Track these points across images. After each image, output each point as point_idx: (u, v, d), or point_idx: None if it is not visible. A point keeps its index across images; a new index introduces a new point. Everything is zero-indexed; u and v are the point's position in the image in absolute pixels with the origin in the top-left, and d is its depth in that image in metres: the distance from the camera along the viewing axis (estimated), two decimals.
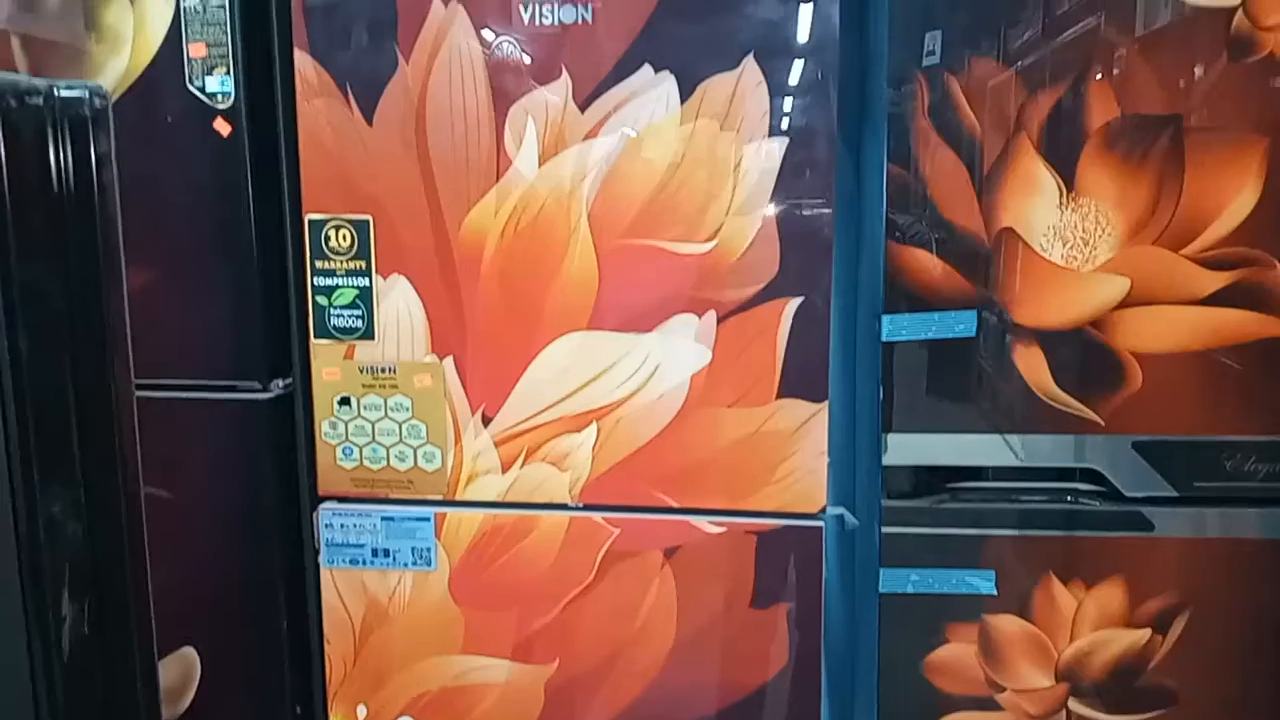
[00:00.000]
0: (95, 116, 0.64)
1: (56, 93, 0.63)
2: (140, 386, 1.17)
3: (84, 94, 0.64)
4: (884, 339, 1.09)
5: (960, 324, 1.08)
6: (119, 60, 1.11)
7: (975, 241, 1.07)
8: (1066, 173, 1.05)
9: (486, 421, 1.14)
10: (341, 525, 1.16)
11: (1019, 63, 1.04)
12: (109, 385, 0.67)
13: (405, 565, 1.16)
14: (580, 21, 1.06)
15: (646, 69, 1.06)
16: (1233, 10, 1.01)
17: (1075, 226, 1.06)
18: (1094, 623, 1.12)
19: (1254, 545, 1.10)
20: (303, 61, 1.10)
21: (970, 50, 1.04)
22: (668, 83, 1.06)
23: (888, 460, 1.11)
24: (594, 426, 1.12)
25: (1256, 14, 1.00)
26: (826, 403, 1.10)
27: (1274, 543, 1.10)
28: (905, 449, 1.11)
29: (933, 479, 1.13)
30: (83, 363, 0.65)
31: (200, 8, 1.08)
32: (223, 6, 1.08)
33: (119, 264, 0.67)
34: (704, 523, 1.13)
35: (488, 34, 1.07)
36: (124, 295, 0.68)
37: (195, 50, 1.09)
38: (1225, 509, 1.10)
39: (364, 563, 1.16)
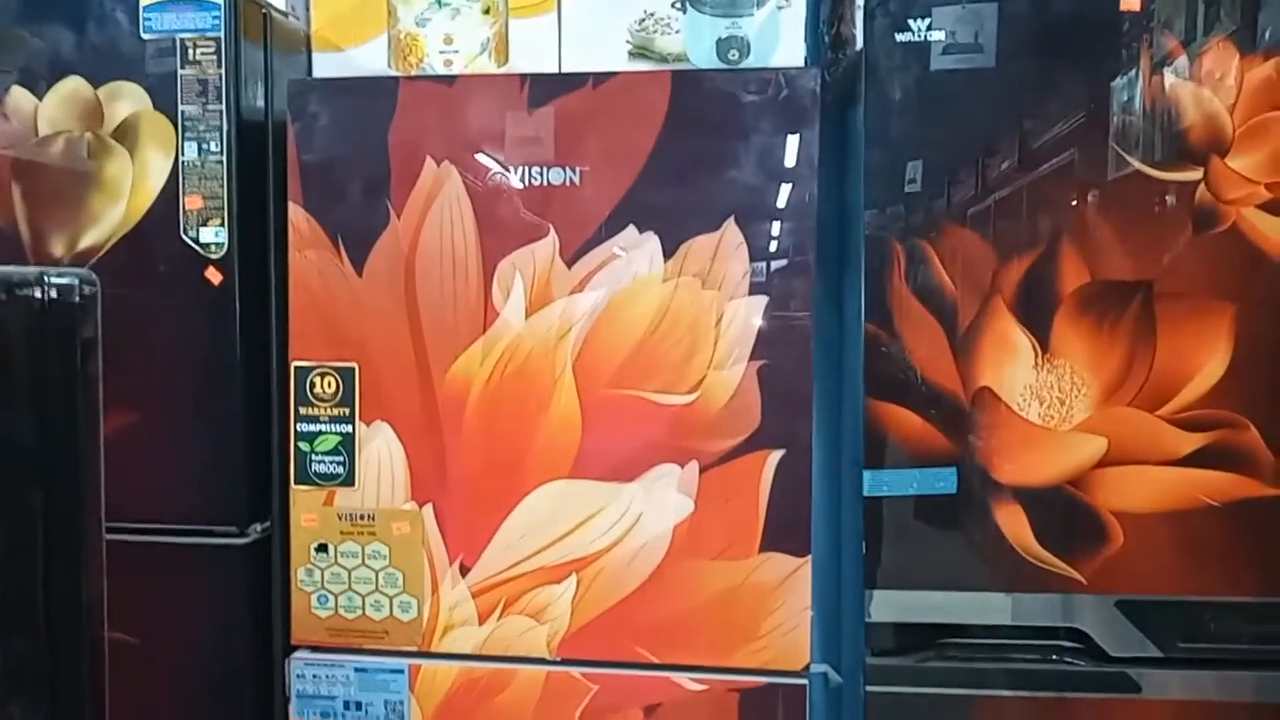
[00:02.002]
0: (83, 304, 0.66)
1: (47, 280, 0.65)
2: (115, 530, 1.17)
3: (74, 282, 0.66)
4: (866, 494, 1.09)
5: (941, 481, 1.08)
6: (116, 209, 1.13)
7: (954, 400, 1.08)
8: (1041, 334, 1.07)
9: (465, 571, 1.12)
10: (313, 676, 1.13)
11: (992, 228, 1.08)
12: (81, 561, 0.66)
13: (378, 719, 1.13)
14: (568, 183, 1.10)
15: (631, 229, 1.09)
16: (1195, 184, 1.05)
17: (1051, 386, 1.07)
18: None
19: (1243, 709, 1.08)
20: (296, 214, 1.12)
21: (944, 216, 1.08)
22: (651, 242, 1.09)
23: (872, 617, 1.10)
24: (574, 578, 1.11)
25: (1218, 188, 1.05)
26: (809, 557, 1.09)
27: (1264, 706, 1.08)
28: (889, 605, 1.10)
29: (918, 636, 1.11)
30: (54, 538, 0.64)
31: (198, 162, 1.12)
32: (220, 161, 1.11)
33: (98, 445, 0.67)
34: (685, 679, 1.10)
35: (480, 193, 1.11)
36: (100, 474, 0.68)
37: (191, 202, 1.12)
38: (1213, 671, 1.09)
39: (335, 715, 1.13)
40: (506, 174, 1.10)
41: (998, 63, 1.07)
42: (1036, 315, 1.07)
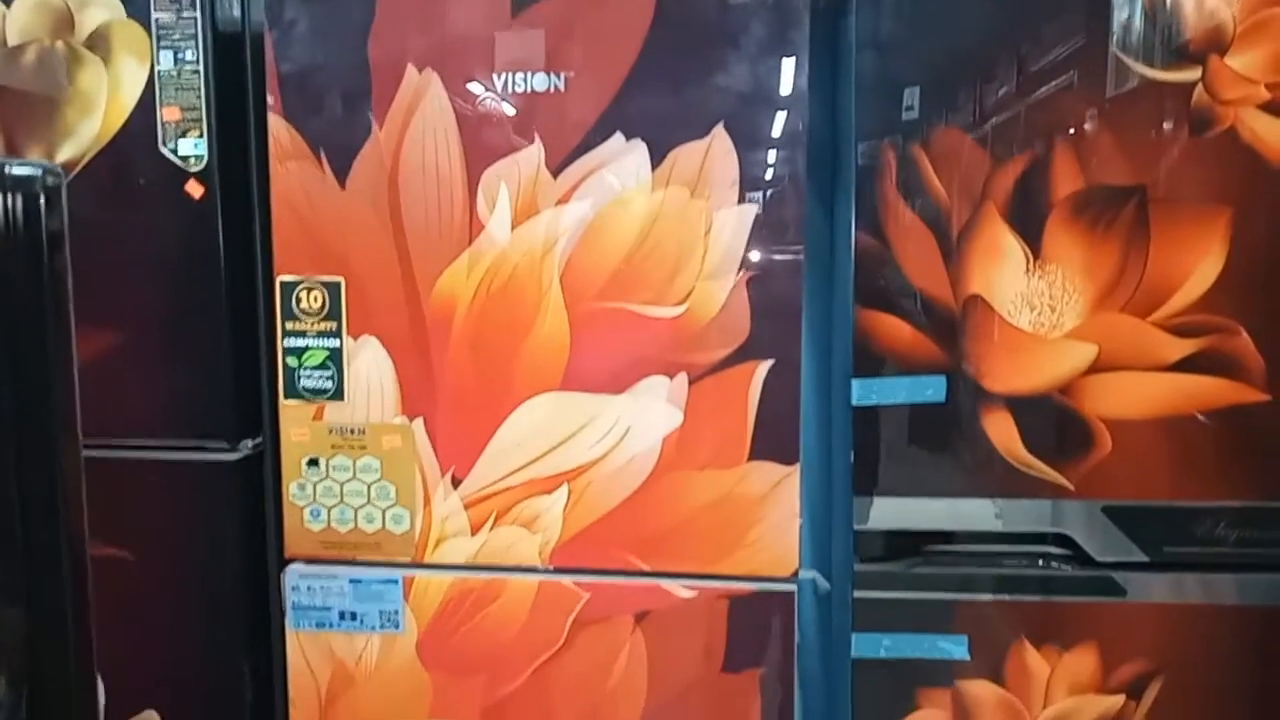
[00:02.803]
0: (48, 195, 0.64)
1: (7, 170, 0.63)
2: (107, 446, 1.18)
3: (36, 172, 0.64)
4: (854, 403, 1.09)
5: (930, 389, 1.08)
6: (91, 123, 1.11)
7: (944, 307, 1.08)
8: (1033, 240, 1.06)
9: (456, 483, 1.13)
10: (309, 587, 1.15)
11: (985, 132, 1.06)
12: (56, 466, 0.66)
13: (373, 628, 1.14)
14: (553, 90, 1.07)
15: (618, 137, 1.07)
16: (1192, 85, 1.03)
17: (1042, 293, 1.07)
18: (1067, 689, 1.11)
19: (1227, 611, 1.10)
20: (276, 125, 1.10)
21: (937, 121, 1.06)
22: (639, 150, 1.07)
23: (860, 524, 1.11)
24: (565, 489, 1.12)
25: (1215, 88, 1.02)
26: (798, 465, 1.10)
27: (1248, 608, 1.10)
28: (878, 513, 1.11)
29: (906, 543, 1.12)
30: (28, 442, 0.64)
31: (175, 72, 1.09)
32: (197, 71, 1.09)
33: (69, 342, 0.66)
34: (676, 586, 1.12)
35: (463, 101, 1.08)
36: (74, 373, 0.67)
37: (169, 114, 1.10)
38: (1198, 574, 1.10)
39: (331, 625, 1.15)
40: (490, 81, 1.08)
41: None
42: (1029, 221, 1.06)
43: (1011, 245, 1.06)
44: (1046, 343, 1.07)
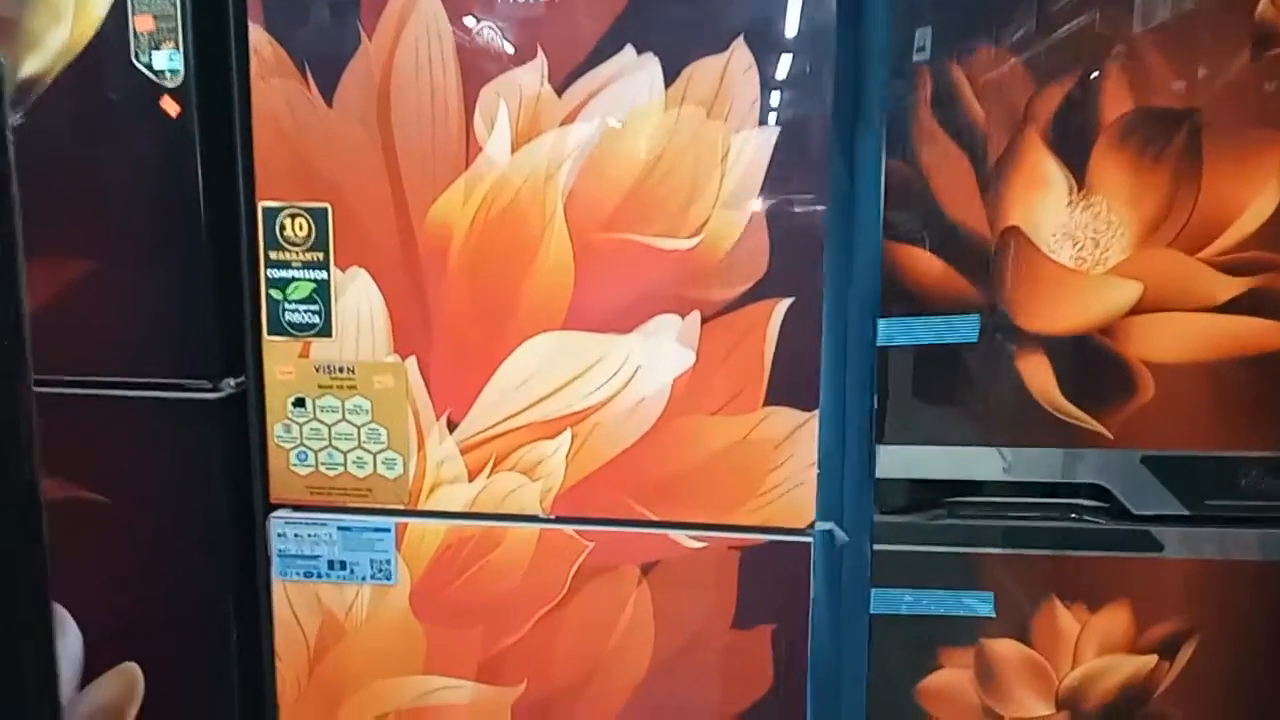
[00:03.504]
0: None
1: None
2: (81, 384, 1.10)
3: None
4: (879, 344, 1.01)
5: (961, 328, 1.01)
6: (59, 33, 1.02)
7: (978, 241, 1.00)
8: (1077, 168, 0.98)
9: (452, 426, 1.06)
10: (295, 535, 1.08)
11: (1028, 52, 0.97)
12: (8, 391, 0.59)
13: (363, 579, 1.08)
14: None
15: (629, 50, 0.99)
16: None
17: (1085, 226, 0.99)
18: (1097, 648, 1.05)
19: (1269, 568, 1.03)
20: (258, 37, 1.02)
21: (975, 38, 0.97)
22: (651, 65, 0.99)
23: (880, 473, 1.04)
24: (568, 433, 1.05)
25: None
26: (817, 411, 1.03)
27: None
28: (899, 461, 1.04)
29: (928, 494, 1.06)
30: None
31: None
32: None
33: (15, 253, 0.59)
34: (684, 537, 1.05)
35: (459, 10, 1.00)
36: (21, 290, 0.59)
37: (142, 23, 1.01)
38: (1239, 529, 1.03)
39: (319, 575, 1.09)
40: None
41: None
42: (1073, 148, 0.98)
43: (1054, 173, 0.98)
44: (1088, 279, 0.99)
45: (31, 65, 1.03)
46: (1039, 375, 1.01)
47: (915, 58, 0.98)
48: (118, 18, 1.02)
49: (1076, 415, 1.02)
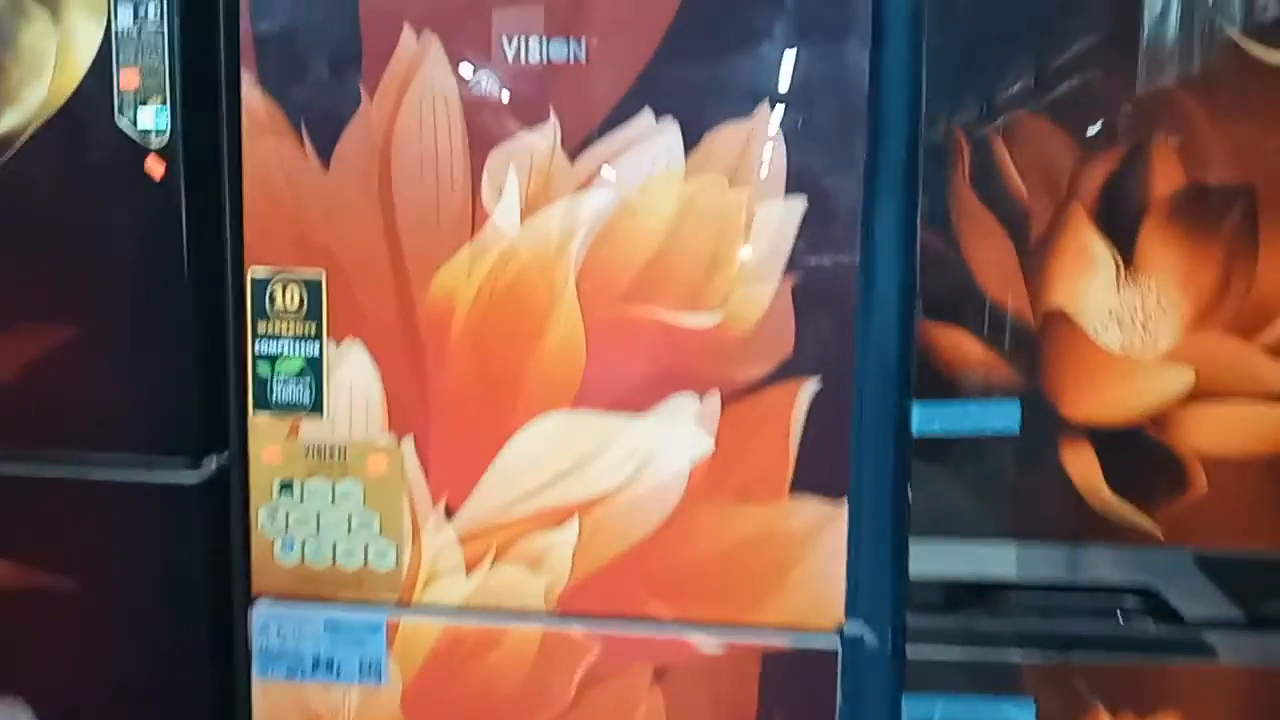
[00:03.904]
0: None
1: None
2: (51, 461, 1.03)
3: None
4: (914, 431, 0.94)
5: (1001, 416, 0.94)
6: (38, 87, 0.96)
7: (1020, 322, 0.93)
8: (1125, 247, 0.92)
9: (450, 514, 0.98)
10: (278, 630, 1.00)
11: (1072, 121, 0.92)
12: None
13: (352, 679, 0.99)
14: (572, 60, 0.93)
15: (647, 114, 0.93)
16: None
17: (1134, 308, 0.92)
18: None
19: None
20: (251, 95, 0.95)
21: (1018, 104, 0.92)
22: (671, 131, 0.93)
23: (913, 569, 0.96)
24: (575, 522, 0.97)
25: None
26: (846, 501, 0.95)
27: None
28: (934, 557, 0.97)
29: (965, 593, 0.98)
30: None
31: (135, 30, 0.94)
32: (160, 30, 0.94)
33: None
34: (701, 638, 0.97)
35: (466, 69, 0.94)
36: None
37: (127, 79, 0.95)
38: None
39: (304, 674, 1.00)
40: (499, 48, 0.93)
41: None
42: (1121, 224, 0.92)
43: (1100, 251, 0.92)
44: (1137, 365, 0.93)
45: (8, 121, 0.96)
46: (1084, 467, 0.94)
47: (951, 125, 0.92)
48: (101, 72, 0.95)
49: (1124, 511, 0.95)
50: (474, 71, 0.93)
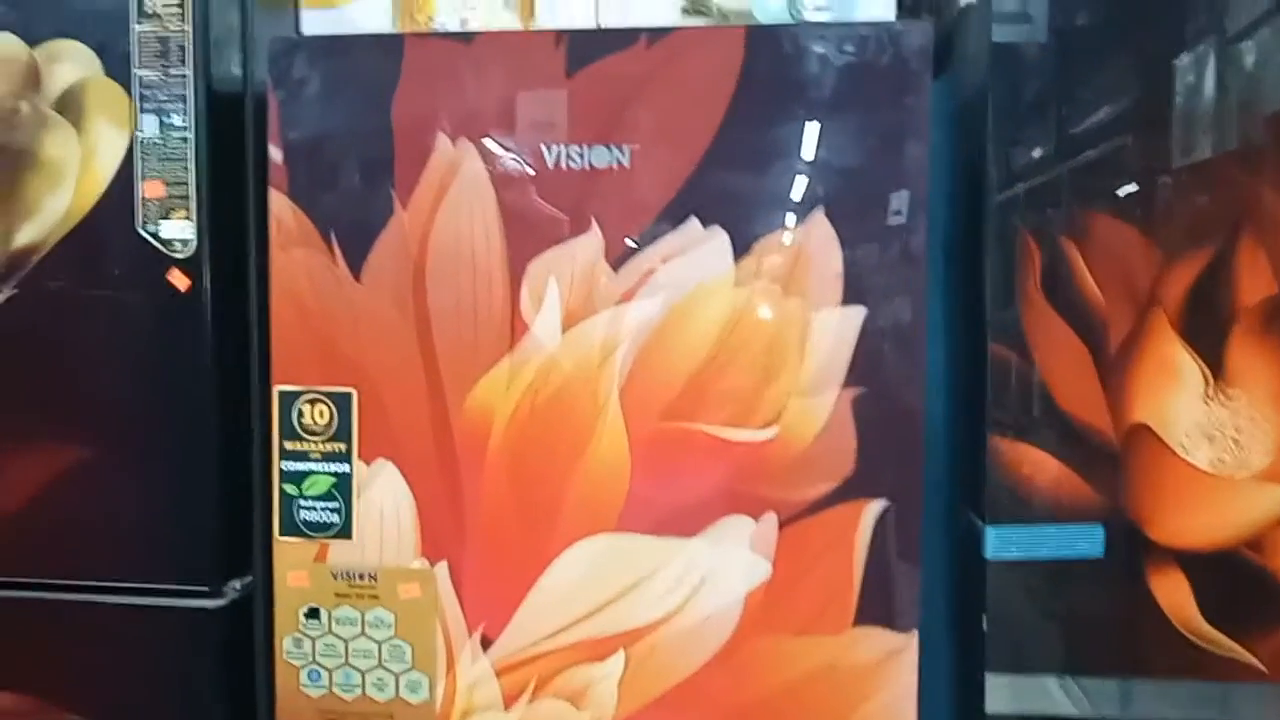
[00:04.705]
0: None
1: None
2: (66, 589, 0.97)
3: None
4: (988, 556, 0.87)
5: (1083, 541, 0.87)
6: (60, 198, 0.92)
7: (1100, 439, 0.86)
8: (1213, 358, 0.85)
9: (487, 644, 0.92)
10: None
11: (1153, 222, 0.86)
12: None
13: None
14: (615, 166, 0.88)
15: (694, 223, 0.88)
16: None
17: (1224, 424, 0.85)
18: None
19: None
20: (279, 204, 0.91)
21: (1092, 206, 0.86)
22: (719, 239, 0.88)
23: (990, 707, 0.89)
24: (621, 654, 0.90)
25: None
26: (915, 633, 0.88)
27: None
28: (1011, 693, 0.89)
29: None
30: None
31: (160, 140, 0.90)
32: (186, 139, 0.90)
33: None
34: None
35: (505, 178, 0.89)
36: None
37: (150, 189, 0.91)
38: None
39: None
40: (539, 155, 0.89)
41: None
42: (1207, 334, 0.85)
43: (1186, 363, 0.85)
44: (1230, 484, 0.86)
45: (26, 235, 0.93)
46: (1175, 596, 0.87)
47: (1020, 228, 0.87)
48: (123, 183, 0.92)
49: (1220, 643, 0.87)
50: (512, 180, 0.89)
